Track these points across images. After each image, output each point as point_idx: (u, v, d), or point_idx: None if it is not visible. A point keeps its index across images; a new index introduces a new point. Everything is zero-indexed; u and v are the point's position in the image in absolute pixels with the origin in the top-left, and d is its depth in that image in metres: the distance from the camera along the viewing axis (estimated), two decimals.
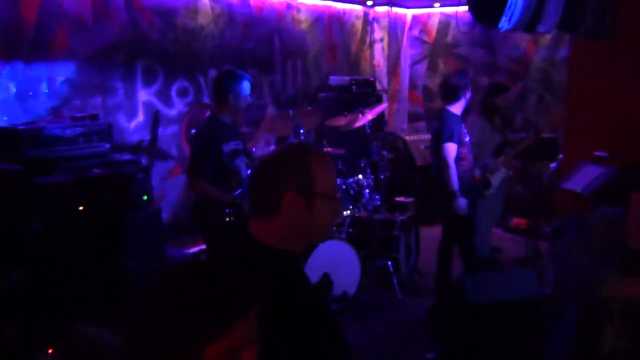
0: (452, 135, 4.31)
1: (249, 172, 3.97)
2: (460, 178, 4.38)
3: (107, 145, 4.11)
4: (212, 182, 3.67)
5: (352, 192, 4.87)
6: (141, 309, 1.07)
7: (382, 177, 5.28)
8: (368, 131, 5.17)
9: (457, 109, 4.47)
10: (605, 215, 2.66)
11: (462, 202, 4.27)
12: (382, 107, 6.29)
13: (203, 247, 4.86)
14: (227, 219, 3.71)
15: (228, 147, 3.75)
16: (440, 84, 4.71)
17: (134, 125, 4.92)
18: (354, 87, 6.61)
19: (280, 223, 1.56)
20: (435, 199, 4.61)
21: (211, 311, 1.03)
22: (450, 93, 4.48)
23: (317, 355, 1.50)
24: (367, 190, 4.92)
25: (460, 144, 4.43)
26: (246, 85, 3.77)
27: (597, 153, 5.09)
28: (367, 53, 7.80)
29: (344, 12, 7.31)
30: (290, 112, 4.68)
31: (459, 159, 4.43)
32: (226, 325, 1.03)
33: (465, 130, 4.47)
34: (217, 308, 1.03)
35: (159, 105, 5.13)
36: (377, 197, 4.99)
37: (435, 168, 4.48)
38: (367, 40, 7.78)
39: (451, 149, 4.31)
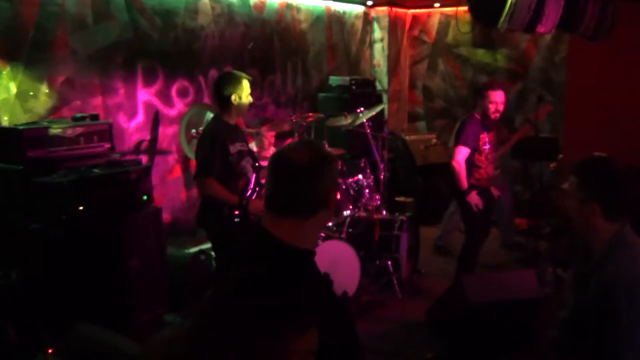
0: (465, 140, 4.39)
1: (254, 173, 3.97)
2: (476, 186, 4.46)
3: (107, 145, 4.11)
4: (220, 183, 3.67)
5: (352, 192, 4.87)
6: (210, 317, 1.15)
7: (382, 177, 5.28)
8: (368, 131, 5.17)
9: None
10: None
11: (473, 197, 4.42)
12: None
13: (203, 247, 4.86)
14: (235, 220, 3.70)
15: (234, 148, 3.75)
16: (474, 89, 4.77)
17: (134, 125, 4.91)
18: (354, 87, 6.61)
19: (313, 223, 1.52)
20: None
21: (287, 318, 1.14)
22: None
23: (355, 349, 1.50)
24: (367, 190, 4.92)
25: (478, 151, 4.44)
26: (247, 85, 3.76)
27: (596, 153, 5.10)
28: (367, 53, 7.80)
29: (344, 12, 7.31)
30: (293, 119, 4.68)
31: (475, 166, 4.45)
32: (300, 329, 1.14)
33: (487, 139, 4.48)
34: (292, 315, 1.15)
35: (159, 105, 5.13)
36: (377, 197, 4.99)
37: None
38: (367, 40, 7.78)
39: (462, 151, 4.41)
